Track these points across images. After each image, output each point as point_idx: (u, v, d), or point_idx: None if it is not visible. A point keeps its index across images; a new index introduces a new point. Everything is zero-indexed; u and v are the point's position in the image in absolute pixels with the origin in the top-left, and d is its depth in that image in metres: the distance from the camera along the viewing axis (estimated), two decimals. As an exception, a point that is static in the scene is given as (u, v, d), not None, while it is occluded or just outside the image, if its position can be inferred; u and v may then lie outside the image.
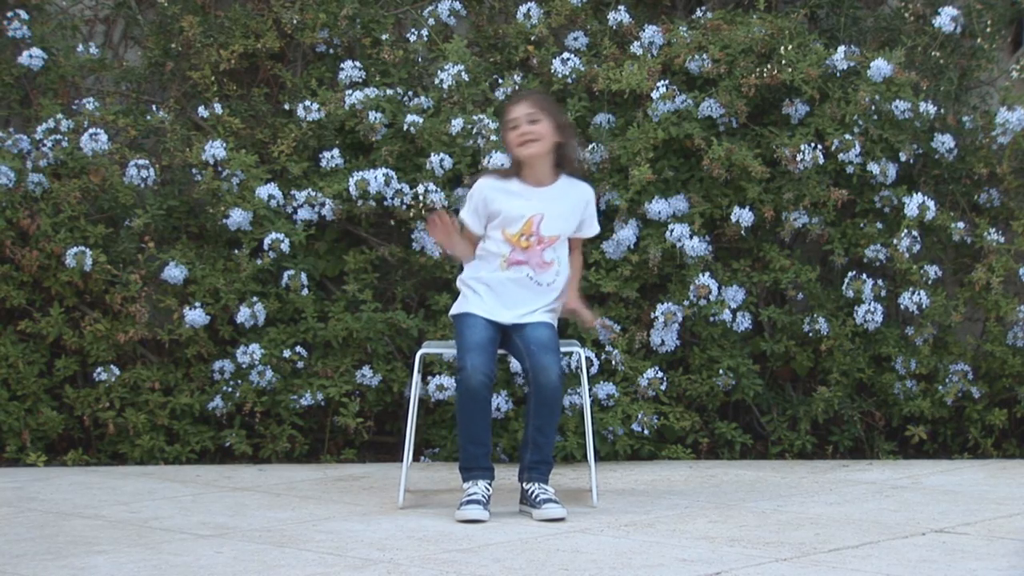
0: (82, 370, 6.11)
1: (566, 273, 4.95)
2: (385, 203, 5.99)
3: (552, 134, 4.88)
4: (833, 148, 5.93)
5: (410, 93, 6.17)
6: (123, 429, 5.99)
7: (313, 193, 6.00)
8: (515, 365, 5.73)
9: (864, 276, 5.98)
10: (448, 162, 5.92)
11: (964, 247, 6.13)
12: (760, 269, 6.08)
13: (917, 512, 4.85)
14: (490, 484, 4.83)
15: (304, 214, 6.01)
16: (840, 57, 5.94)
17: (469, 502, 4.76)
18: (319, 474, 5.71)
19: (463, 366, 4.76)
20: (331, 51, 6.32)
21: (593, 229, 5.04)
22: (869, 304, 5.93)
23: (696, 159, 6.00)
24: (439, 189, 5.89)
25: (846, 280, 5.99)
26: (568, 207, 4.93)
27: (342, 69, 6.17)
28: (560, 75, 6.01)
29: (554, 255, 4.91)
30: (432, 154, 5.93)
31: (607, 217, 5.90)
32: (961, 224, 6.03)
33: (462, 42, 6.08)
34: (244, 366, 5.91)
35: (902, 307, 6.00)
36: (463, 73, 5.97)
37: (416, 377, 5.07)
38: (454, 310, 4.97)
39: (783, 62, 5.94)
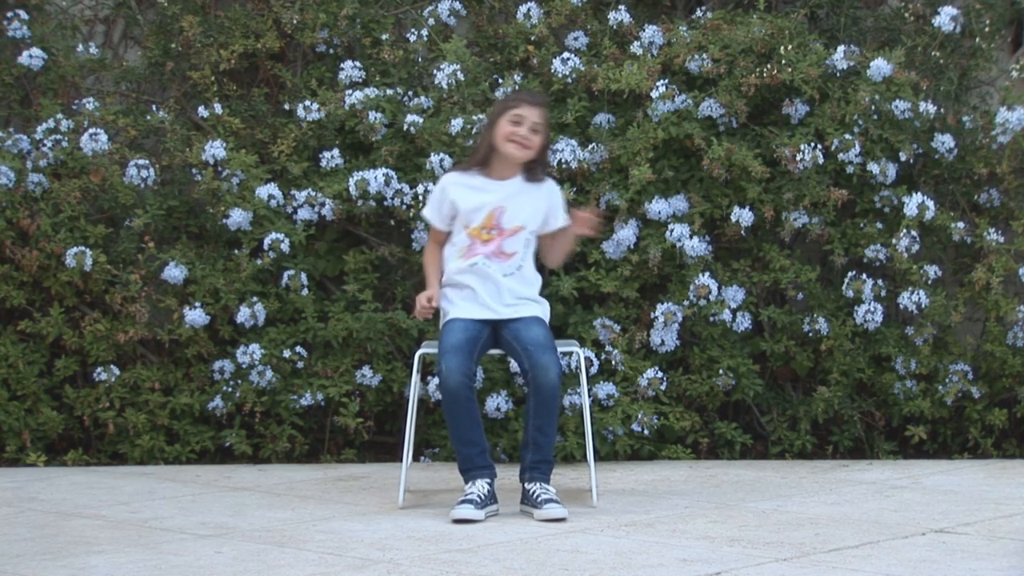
0: (82, 370, 6.11)
1: (530, 267, 4.97)
2: (385, 203, 5.99)
3: (538, 151, 4.96)
4: (833, 148, 5.93)
5: (410, 93, 6.17)
6: (123, 429, 5.99)
7: (313, 193, 6.00)
8: (515, 365, 5.73)
9: (864, 276, 5.98)
10: (448, 162, 5.91)
11: (964, 247, 6.13)
12: (760, 269, 6.08)
13: (917, 512, 4.85)
14: (490, 482, 4.83)
15: (304, 214, 6.01)
16: (840, 57, 5.94)
17: (462, 502, 4.76)
18: (319, 474, 5.71)
19: (439, 370, 4.80)
20: (331, 51, 6.32)
21: (560, 219, 5.02)
22: (869, 304, 5.93)
23: (696, 159, 6.00)
24: (439, 189, 5.90)
25: (846, 280, 5.99)
26: (528, 200, 4.96)
27: (342, 69, 6.17)
28: (560, 75, 6.01)
29: (516, 246, 4.93)
30: (432, 154, 5.93)
31: (607, 217, 5.90)
32: (961, 224, 6.03)
33: (462, 42, 6.08)
34: (244, 366, 5.91)
35: (902, 307, 6.00)
36: (458, 73, 5.97)
37: (416, 377, 5.07)
38: (441, 321, 4.99)
39: (783, 62, 5.94)
